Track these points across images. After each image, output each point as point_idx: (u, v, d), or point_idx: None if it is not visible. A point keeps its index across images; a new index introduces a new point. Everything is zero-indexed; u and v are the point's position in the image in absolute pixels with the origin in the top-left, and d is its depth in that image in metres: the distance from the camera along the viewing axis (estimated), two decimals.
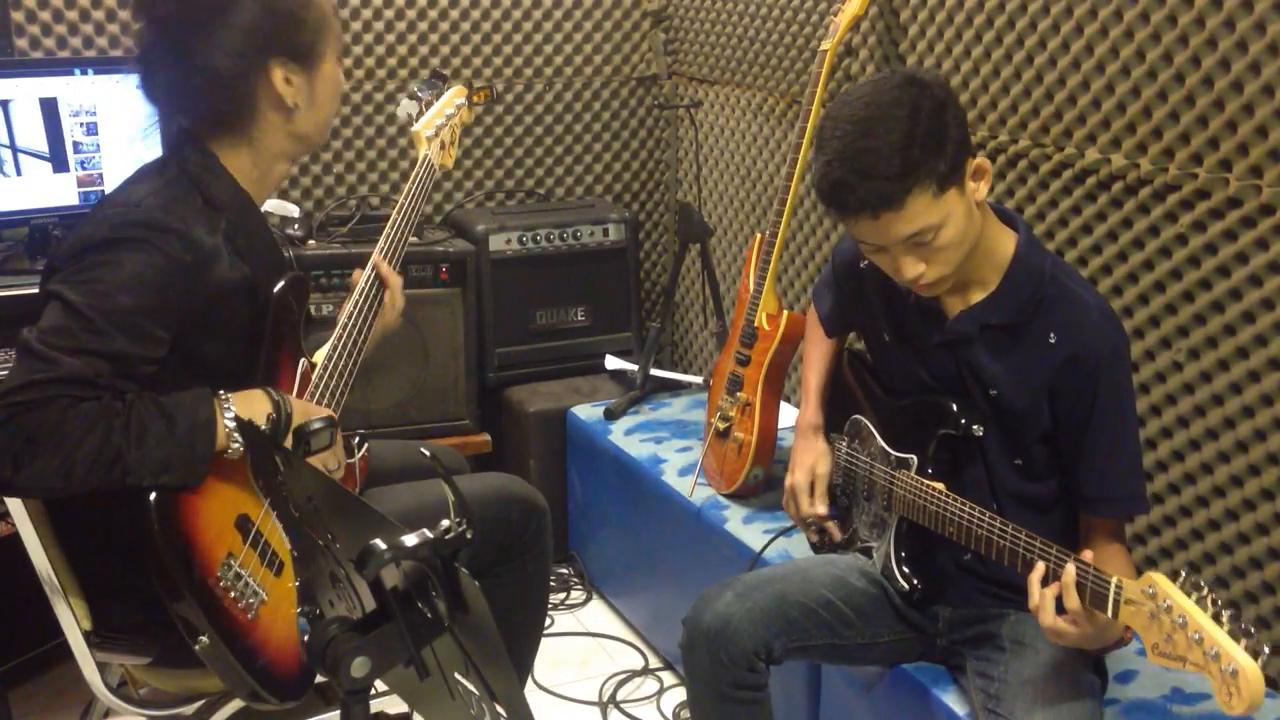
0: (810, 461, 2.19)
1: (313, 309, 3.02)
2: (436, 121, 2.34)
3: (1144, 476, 1.97)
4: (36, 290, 1.80)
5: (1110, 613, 1.61)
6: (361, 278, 2.12)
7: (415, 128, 2.31)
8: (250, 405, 1.79)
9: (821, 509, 2.16)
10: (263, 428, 1.77)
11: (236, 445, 1.74)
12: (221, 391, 1.77)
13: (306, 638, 1.83)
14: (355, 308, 2.08)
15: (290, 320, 1.98)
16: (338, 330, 2.06)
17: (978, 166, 1.84)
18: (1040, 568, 1.74)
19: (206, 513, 1.75)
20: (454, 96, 2.40)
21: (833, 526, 2.19)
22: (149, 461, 1.66)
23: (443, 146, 2.33)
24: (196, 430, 1.70)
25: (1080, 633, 1.71)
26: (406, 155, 3.63)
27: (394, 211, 2.19)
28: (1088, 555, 1.71)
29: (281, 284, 1.93)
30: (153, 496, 1.68)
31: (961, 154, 1.80)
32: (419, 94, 2.41)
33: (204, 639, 1.69)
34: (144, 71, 1.90)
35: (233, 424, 1.73)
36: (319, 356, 2.05)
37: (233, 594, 1.74)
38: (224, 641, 1.70)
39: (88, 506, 1.82)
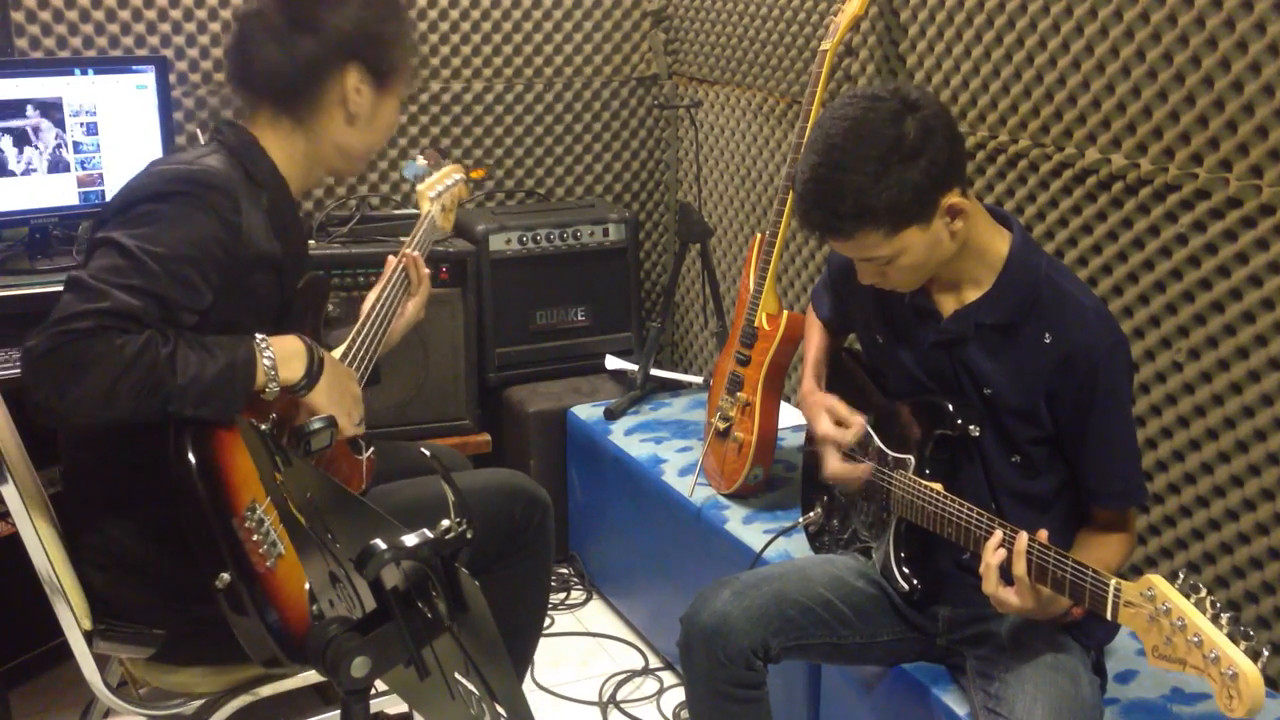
0: (823, 406, 2.15)
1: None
2: (438, 187, 2.48)
3: (1142, 468, 1.99)
4: (37, 290, 1.82)
5: (1109, 615, 1.61)
6: (386, 273, 2.20)
7: (420, 187, 2.48)
8: (286, 345, 1.86)
9: (859, 420, 2.10)
10: (264, 427, 1.78)
11: (274, 385, 1.82)
12: (258, 335, 1.83)
13: (316, 607, 1.85)
14: (377, 305, 2.16)
15: (307, 318, 2.05)
16: (357, 326, 2.13)
17: (953, 205, 1.83)
18: (997, 535, 1.79)
19: (237, 454, 1.79)
20: (452, 170, 2.58)
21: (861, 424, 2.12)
22: (190, 392, 1.72)
23: (444, 209, 2.47)
24: (236, 367, 1.77)
25: (1021, 603, 1.76)
26: (406, 155, 3.63)
27: (399, 252, 2.28)
28: (1043, 535, 1.75)
29: (304, 281, 2.04)
30: (188, 429, 1.74)
31: (934, 192, 1.81)
32: (424, 159, 2.63)
33: (225, 576, 1.73)
34: (240, 36, 1.99)
35: (270, 364, 1.81)
36: (335, 353, 2.08)
37: (255, 537, 1.76)
38: (243, 583, 1.73)
39: (105, 476, 1.88)
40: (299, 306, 2.02)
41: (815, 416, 2.15)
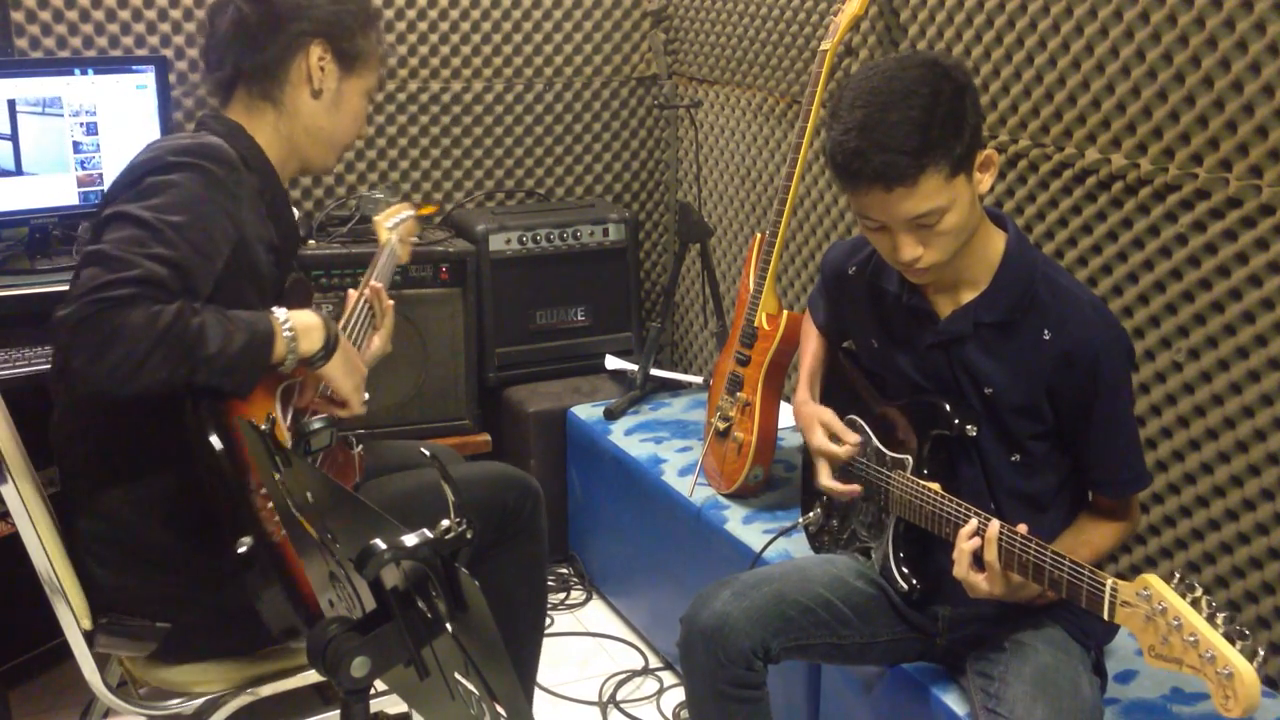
0: (817, 419, 2.15)
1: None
2: (394, 218, 2.53)
3: (1143, 456, 2.00)
4: (37, 290, 1.83)
5: (1105, 614, 1.61)
6: (351, 306, 2.20)
7: (377, 218, 2.54)
8: (303, 318, 1.89)
9: (852, 439, 2.11)
10: (263, 426, 1.78)
11: (293, 357, 1.85)
12: (276, 309, 1.86)
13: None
14: (351, 319, 2.18)
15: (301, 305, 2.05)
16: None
17: (986, 157, 1.85)
18: (972, 524, 1.82)
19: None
20: (402, 208, 2.61)
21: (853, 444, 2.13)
22: (217, 363, 1.74)
23: (400, 240, 2.50)
24: (257, 339, 1.80)
25: (990, 588, 1.81)
26: (406, 155, 3.63)
27: (362, 284, 2.28)
28: (1022, 528, 1.77)
29: (288, 282, 2.05)
30: (203, 401, 1.78)
31: (974, 142, 1.81)
32: (380, 194, 2.84)
33: (247, 540, 1.76)
34: (210, 16, 2.05)
35: (290, 336, 1.84)
36: None
37: (270, 505, 1.77)
38: (264, 549, 1.77)
39: (114, 450, 1.90)
40: (284, 301, 2.01)
41: (810, 429, 2.15)
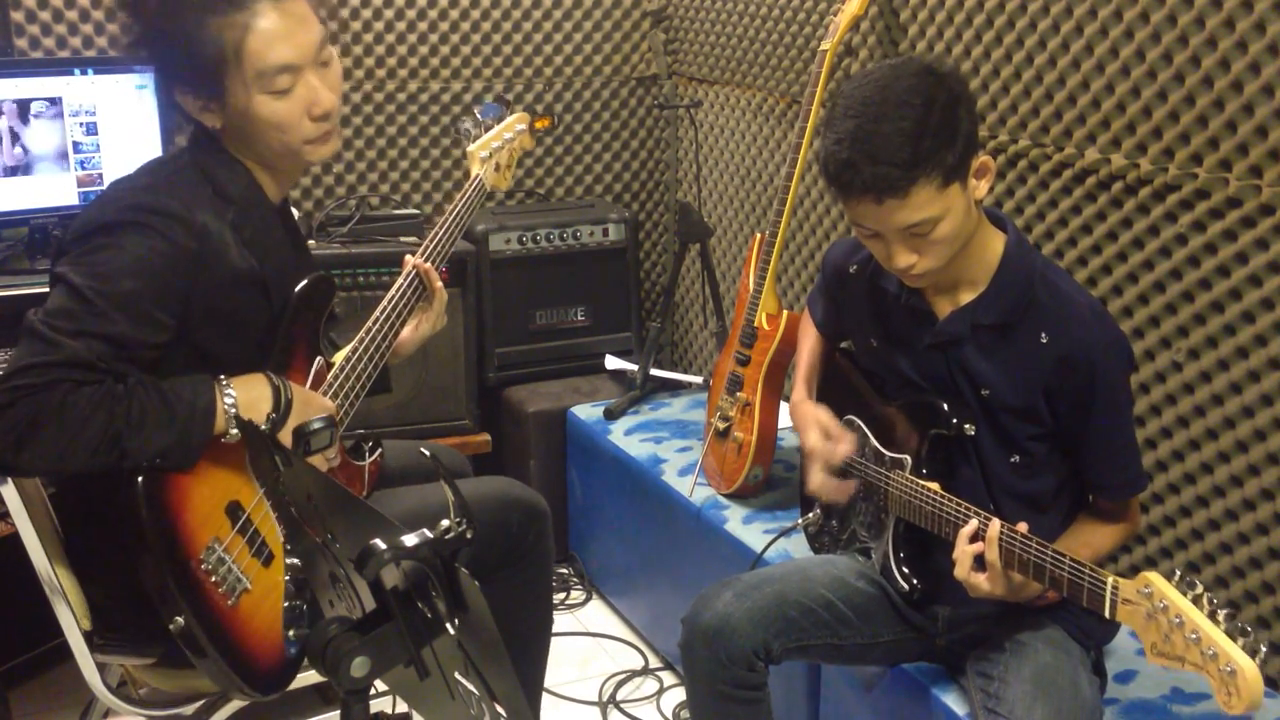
0: (813, 419, 2.15)
1: None
2: (494, 144, 2.39)
3: (1140, 458, 2.00)
4: (37, 290, 1.81)
5: (1107, 612, 1.61)
6: (401, 278, 2.12)
7: (470, 148, 2.37)
8: (250, 389, 1.80)
9: (846, 445, 2.11)
10: (263, 426, 1.77)
11: (234, 431, 1.76)
12: (222, 377, 1.78)
13: (291, 633, 1.83)
14: (385, 311, 2.08)
15: (308, 320, 1.99)
16: (362, 332, 2.07)
17: (982, 164, 1.85)
18: (972, 525, 1.82)
19: (196, 495, 1.76)
20: (515, 121, 2.45)
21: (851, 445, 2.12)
22: (148, 447, 1.69)
23: (498, 169, 2.37)
24: (195, 416, 1.73)
25: (991, 588, 1.81)
26: (406, 155, 3.63)
27: (441, 219, 2.21)
28: (1022, 527, 1.77)
29: (304, 284, 1.95)
30: (140, 478, 1.70)
31: (969, 150, 1.81)
32: (480, 117, 2.46)
33: (179, 620, 1.71)
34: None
35: (232, 408, 1.75)
36: (339, 357, 2.04)
37: (214, 578, 1.74)
38: (200, 624, 1.72)
39: (88, 501, 1.84)
40: (295, 309, 1.95)
41: (805, 429, 2.15)
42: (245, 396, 1.78)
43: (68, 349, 1.66)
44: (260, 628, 1.79)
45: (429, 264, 2.15)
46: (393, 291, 2.11)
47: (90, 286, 1.69)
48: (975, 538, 1.82)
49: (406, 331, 2.15)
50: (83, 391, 1.64)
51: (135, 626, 1.89)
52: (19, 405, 1.62)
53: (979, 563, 1.82)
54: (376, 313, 2.09)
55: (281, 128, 1.87)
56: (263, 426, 1.78)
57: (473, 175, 2.33)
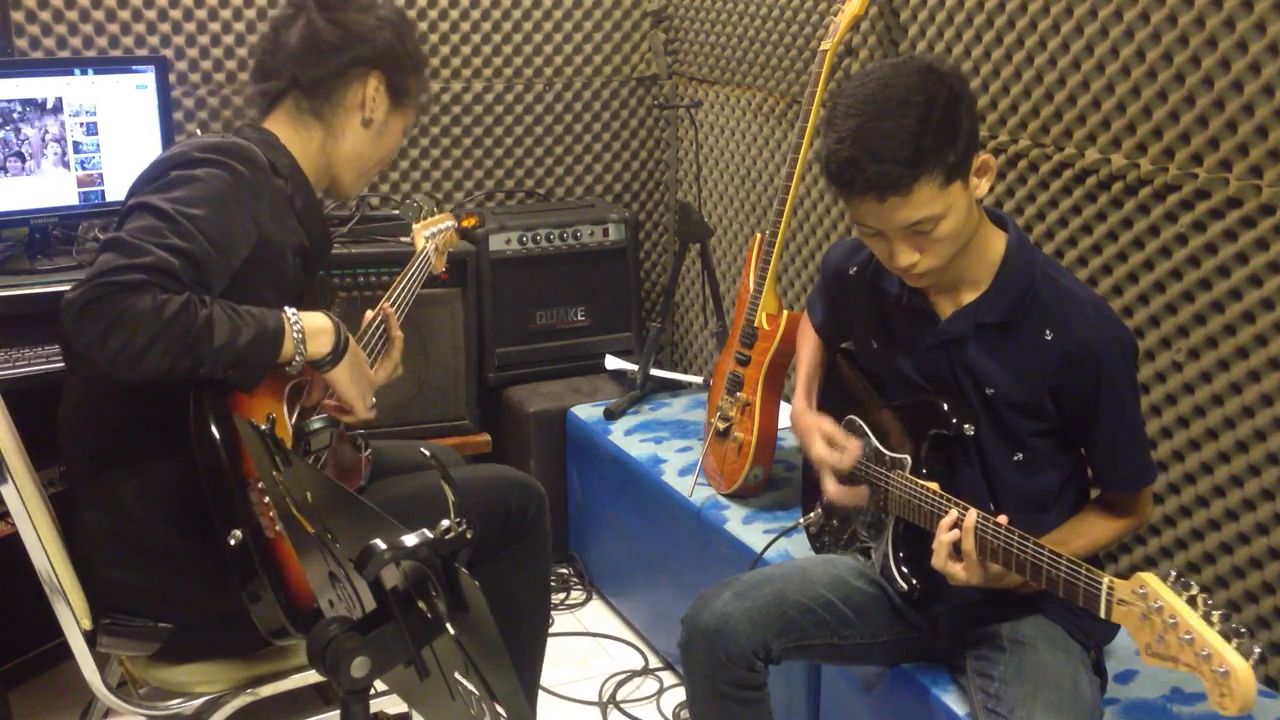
0: (816, 428, 2.14)
1: None
2: (432, 228, 2.52)
3: (1149, 451, 2.00)
4: (37, 290, 1.83)
5: (1102, 612, 1.61)
6: (371, 320, 2.20)
7: (416, 226, 2.52)
8: (314, 321, 1.89)
9: (854, 448, 2.11)
10: (263, 425, 1.78)
11: (300, 358, 1.85)
12: (288, 308, 1.86)
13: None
14: (365, 336, 2.16)
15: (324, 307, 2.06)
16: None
17: (983, 162, 1.85)
18: (951, 515, 1.84)
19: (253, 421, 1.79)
20: (444, 218, 2.60)
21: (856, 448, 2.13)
22: (222, 356, 1.75)
23: (437, 250, 2.50)
24: (265, 336, 1.80)
25: (968, 577, 1.83)
26: (406, 155, 3.64)
27: (392, 288, 2.28)
28: (1002, 519, 1.78)
29: (324, 274, 2.10)
30: (206, 395, 1.78)
31: (970, 148, 1.81)
32: (420, 204, 2.79)
33: (238, 533, 1.77)
34: (279, 24, 2.08)
35: (299, 336, 1.84)
36: None
37: (266, 500, 1.78)
38: (254, 543, 1.77)
39: (123, 436, 1.91)
40: (307, 303, 2.01)
41: (809, 439, 2.15)
42: (311, 325, 1.87)
43: (156, 256, 1.71)
44: (298, 566, 1.81)
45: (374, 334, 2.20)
46: (359, 338, 2.15)
47: (176, 209, 1.77)
48: (954, 527, 1.83)
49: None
50: (169, 297, 1.70)
51: (148, 600, 1.92)
52: (109, 300, 1.66)
53: (957, 552, 1.83)
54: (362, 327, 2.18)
55: (392, 150, 2.17)
56: (323, 356, 1.89)
57: (419, 249, 2.45)
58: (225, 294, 1.82)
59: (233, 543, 1.77)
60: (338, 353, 1.91)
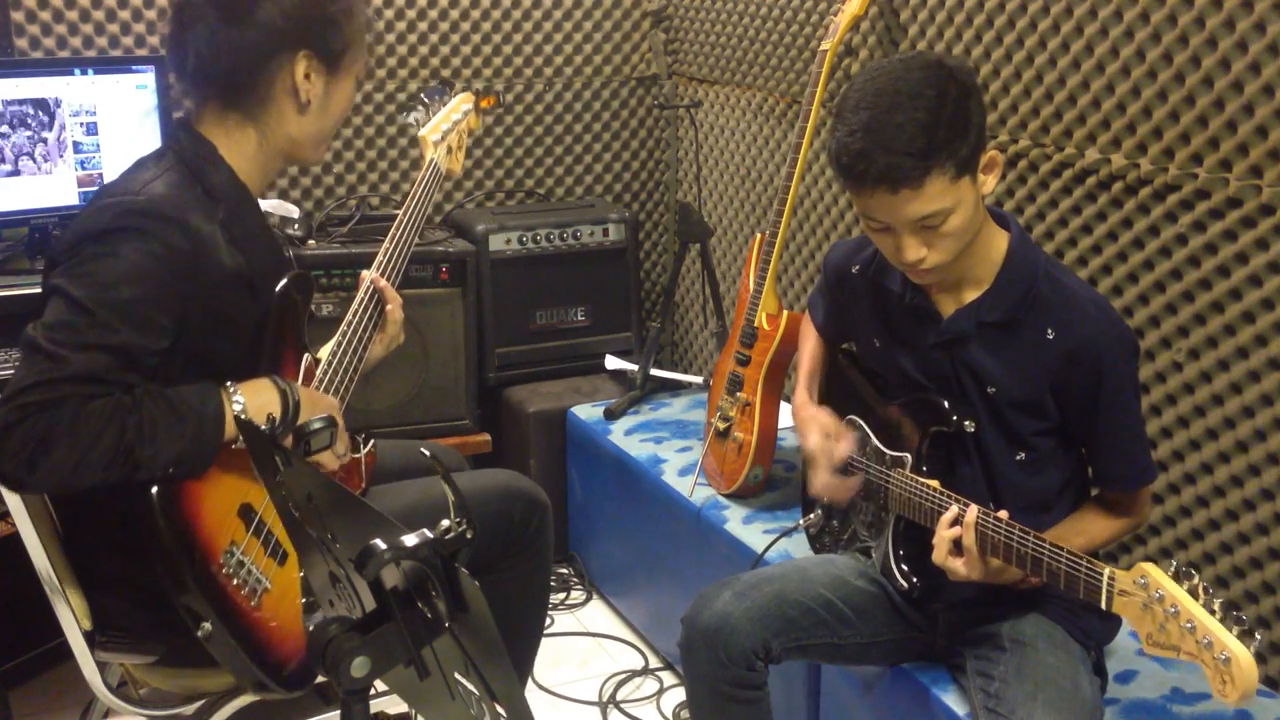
0: (815, 421, 2.14)
1: (313, 309, 3.03)
2: (443, 126, 2.36)
3: (1149, 450, 2.00)
4: (37, 290, 1.80)
5: (1104, 604, 1.62)
6: (361, 289, 2.11)
7: (421, 132, 2.33)
8: (258, 395, 1.80)
9: (847, 443, 2.11)
10: (263, 426, 1.78)
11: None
12: (229, 383, 1.78)
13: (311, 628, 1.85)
14: (355, 315, 2.09)
15: (294, 316, 1.98)
16: (342, 328, 2.07)
17: (990, 159, 1.85)
18: (952, 510, 1.84)
19: (209, 502, 1.76)
20: (460, 103, 2.42)
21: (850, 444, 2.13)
22: (160, 457, 1.67)
23: (449, 151, 2.34)
24: (205, 423, 1.72)
25: (968, 572, 1.83)
26: (406, 155, 3.63)
27: (400, 213, 2.19)
28: (1003, 514, 1.79)
29: (285, 281, 1.93)
30: (154, 489, 1.69)
31: (980, 143, 1.81)
32: (425, 100, 2.44)
33: (207, 625, 1.71)
34: (176, 29, 1.89)
35: (241, 414, 1.74)
36: (324, 352, 2.06)
37: (235, 581, 1.75)
38: (227, 628, 1.72)
39: (90, 504, 1.84)
40: (280, 307, 1.93)
41: (806, 431, 2.15)
42: (253, 401, 1.78)
43: (73, 363, 1.63)
44: (283, 625, 1.80)
45: (391, 268, 2.12)
46: (361, 294, 2.10)
47: (89, 297, 1.67)
48: (955, 523, 1.83)
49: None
50: (92, 406, 1.63)
51: (139, 625, 1.90)
52: (28, 423, 1.60)
53: (958, 548, 1.83)
54: (350, 314, 2.09)
55: (344, 110, 1.98)
56: (275, 429, 1.78)
57: (427, 160, 2.29)
58: (172, 358, 1.74)
59: (201, 634, 1.71)
60: (289, 417, 1.81)
